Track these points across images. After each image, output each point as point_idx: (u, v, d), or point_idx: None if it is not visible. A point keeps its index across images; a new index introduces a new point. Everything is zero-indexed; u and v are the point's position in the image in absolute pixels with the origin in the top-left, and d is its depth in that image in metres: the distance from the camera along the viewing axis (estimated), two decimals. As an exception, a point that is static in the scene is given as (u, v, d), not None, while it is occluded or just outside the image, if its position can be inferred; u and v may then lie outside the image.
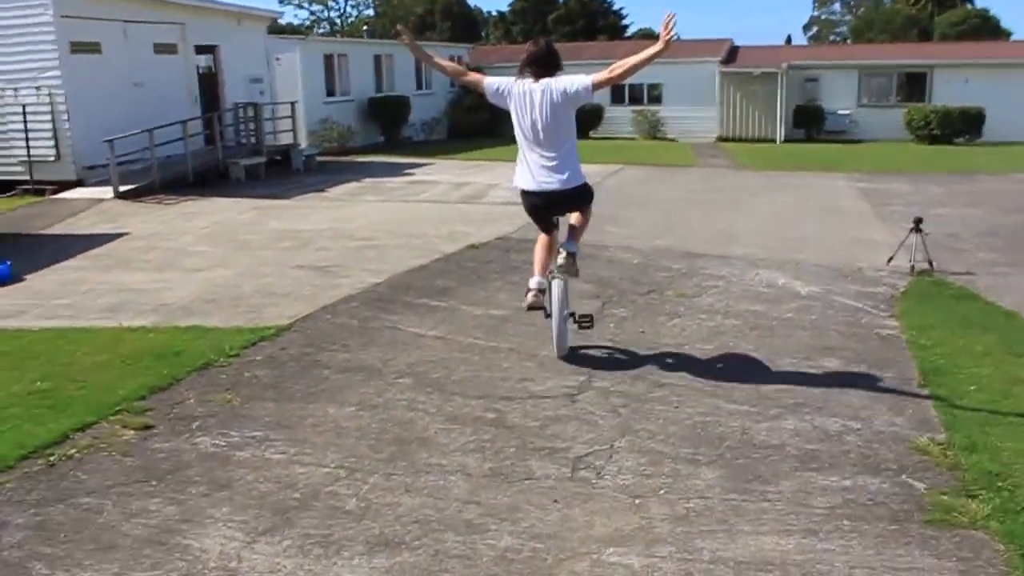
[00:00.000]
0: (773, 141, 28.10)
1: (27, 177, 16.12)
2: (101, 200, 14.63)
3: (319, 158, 21.69)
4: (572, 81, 5.57)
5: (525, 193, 5.81)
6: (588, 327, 6.06)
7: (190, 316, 7.24)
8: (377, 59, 26.76)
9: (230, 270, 9.13)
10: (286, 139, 20.14)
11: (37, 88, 15.77)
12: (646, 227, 11.53)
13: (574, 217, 5.94)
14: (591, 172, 14.41)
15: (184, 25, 18.16)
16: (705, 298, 7.82)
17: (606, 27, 56.20)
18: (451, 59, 31.65)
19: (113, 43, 16.53)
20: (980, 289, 8.54)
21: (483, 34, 61.80)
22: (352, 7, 59.34)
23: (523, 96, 5.62)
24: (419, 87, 29.39)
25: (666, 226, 11.72)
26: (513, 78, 5.74)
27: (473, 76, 6.18)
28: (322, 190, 15.71)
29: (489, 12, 67.85)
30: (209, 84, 19.64)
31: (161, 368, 5.77)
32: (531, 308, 5.75)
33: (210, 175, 17.13)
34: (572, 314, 6.03)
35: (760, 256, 9.77)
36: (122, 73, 16.73)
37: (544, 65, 5.66)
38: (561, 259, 5.74)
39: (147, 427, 4.83)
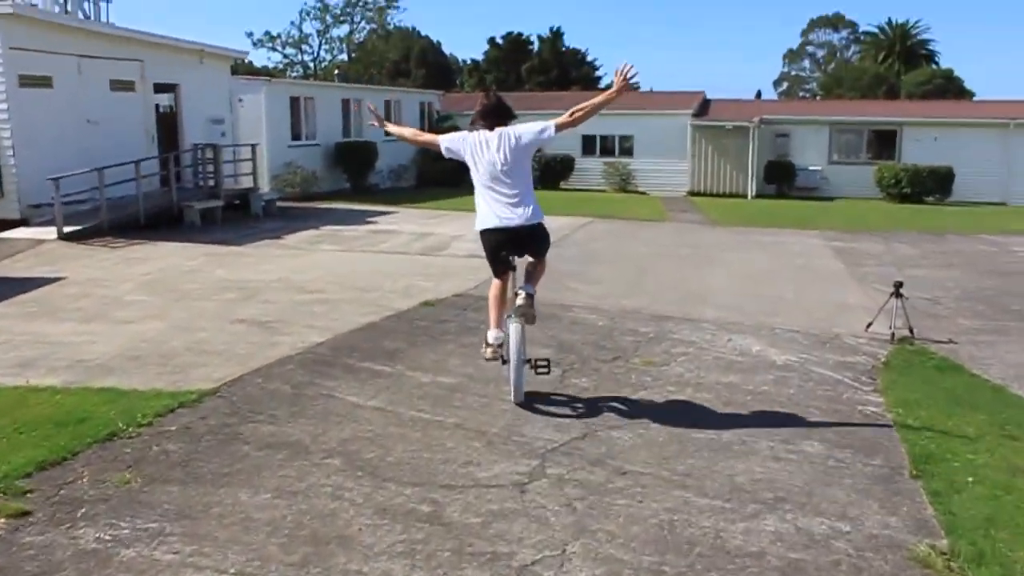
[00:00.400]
0: (744, 196, 27.87)
1: (-33, 215, 15.31)
2: (43, 241, 13.86)
3: (281, 203, 21.05)
4: (532, 126, 5.83)
5: (487, 232, 5.83)
6: (545, 373, 6.10)
7: (108, 375, 6.55)
8: (345, 103, 26.31)
9: (164, 323, 8.44)
10: (247, 182, 19.48)
11: (-18, 123, 15.03)
12: (614, 285, 10.98)
13: (531, 261, 6.02)
14: (559, 225, 13.82)
15: (143, 62, 17.58)
16: (674, 367, 7.23)
17: (579, 77, 56.40)
18: (421, 104, 31.43)
19: (66, 78, 15.88)
20: (964, 359, 8.05)
21: (457, 82, 61.80)
22: (326, 52, 59.08)
23: (478, 144, 5.82)
24: (388, 134, 28.86)
25: (635, 284, 11.19)
26: (465, 132, 5.97)
27: (428, 136, 6.45)
28: (279, 237, 15.05)
29: (464, 60, 67.74)
30: (168, 123, 19.04)
31: (59, 438, 5.08)
32: (490, 360, 5.91)
33: (164, 218, 16.42)
34: (529, 360, 5.99)
35: (733, 320, 9.23)
36: (75, 109, 16.07)
37: (497, 116, 5.90)
38: (520, 300, 5.76)
39: (23, 514, 4.14)
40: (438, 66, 63.03)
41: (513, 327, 5.74)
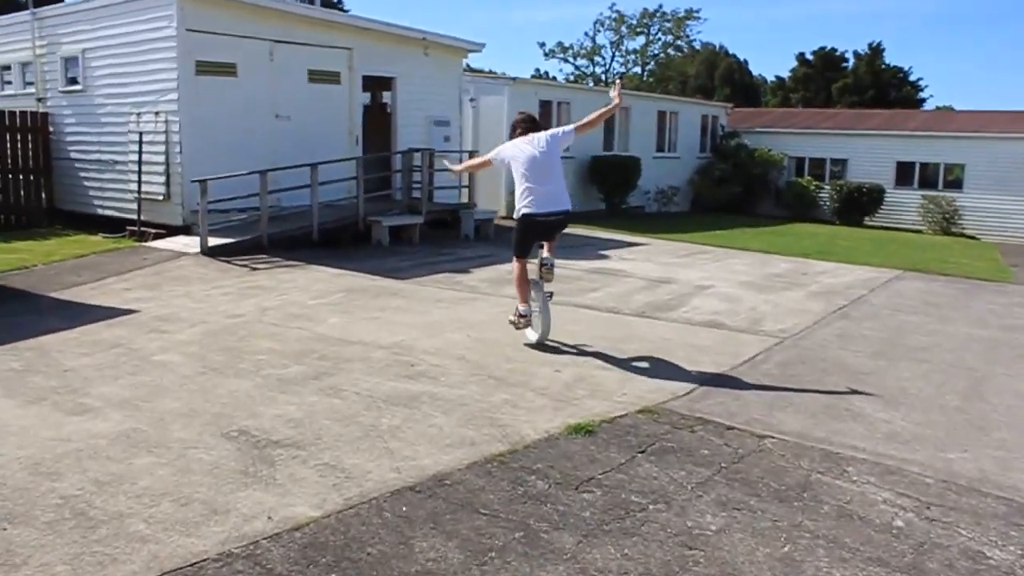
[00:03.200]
0: None
1: (134, 217, 13.31)
2: (182, 255, 11.34)
3: (510, 223, 17.68)
4: (556, 131, 7.27)
5: (528, 217, 7.11)
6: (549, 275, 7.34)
7: None
8: (608, 112, 22.52)
9: (114, 424, 5.06)
10: (465, 196, 16.29)
11: (155, 114, 12.92)
12: (929, 412, 6.16)
13: (547, 245, 7.52)
14: (852, 280, 11.07)
15: (351, 51, 14.88)
16: None
17: (899, 99, 48.62)
18: (704, 118, 27.01)
19: (254, 65, 13.46)
20: None
21: (763, 101, 56.13)
22: (619, 64, 56.04)
23: (516, 148, 7.22)
24: (660, 149, 24.87)
25: (967, 414, 6.21)
26: (502, 148, 7.40)
27: (478, 160, 8.60)
28: (465, 271, 11.52)
29: (769, 79, 61.73)
30: (379, 123, 16.29)
31: None
32: (518, 328, 7.32)
33: (346, 235, 13.53)
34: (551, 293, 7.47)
35: None
36: (262, 102, 13.63)
37: (529, 125, 7.36)
38: (547, 271, 7.41)
39: None
40: (743, 86, 57.76)
41: (543, 295, 7.35)
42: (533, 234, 7.30)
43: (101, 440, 4.86)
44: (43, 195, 15.36)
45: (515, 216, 7.25)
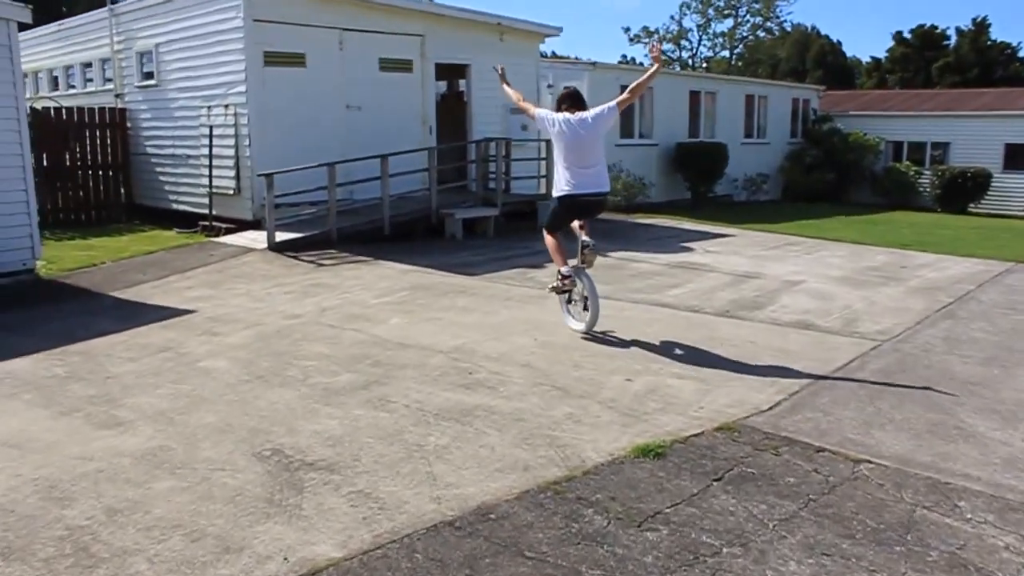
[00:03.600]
0: None
1: (207, 211, 13.18)
2: (249, 251, 11.10)
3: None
4: (599, 107, 7.01)
5: (567, 197, 7.04)
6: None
7: None
8: (694, 96, 21.69)
9: (160, 435, 4.71)
10: (542, 188, 15.71)
11: (225, 107, 12.73)
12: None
13: (583, 226, 7.39)
14: (956, 274, 9.88)
15: (423, 37, 14.45)
16: None
17: (1006, 78, 45.81)
18: (794, 102, 25.80)
19: (323, 55, 13.14)
20: None
21: (857, 84, 53.91)
22: (707, 48, 54.57)
23: (564, 123, 6.99)
24: (748, 135, 23.83)
25: None
26: (552, 112, 7.16)
27: (526, 105, 7.54)
28: (539, 266, 10.96)
29: (866, 60, 59.21)
30: (453, 112, 15.85)
31: None
32: (561, 291, 7.32)
33: (419, 228, 13.13)
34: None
35: None
36: (332, 92, 13.32)
37: (575, 101, 7.14)
38: (588, 252, 7.24)
39: None
40: (837, 68, 55.54)
41: (585, 275, 7.22)
42: (570, 214, 7.26)
43: (125, 459, 4.49)
44: (122, 191, 15.40)
45: (553, 194, 7.24)
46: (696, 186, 21.23)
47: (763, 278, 10.45)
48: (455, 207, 13.51)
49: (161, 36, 14.00)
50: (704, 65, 52.95)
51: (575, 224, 7.40)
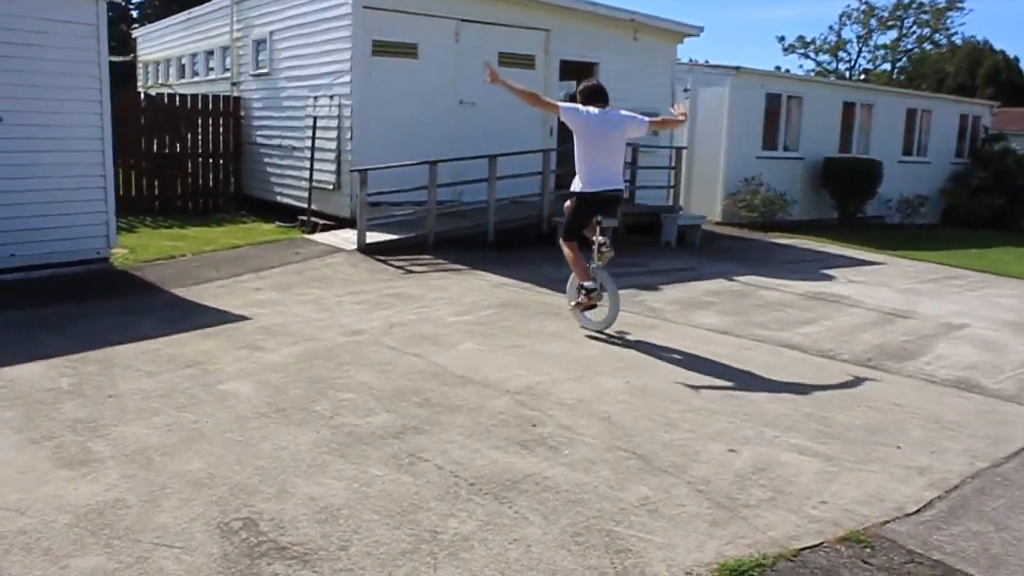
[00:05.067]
0: None
1: (306, 206, 12.49)
2: (337, 251, 10.28)
3: (726, 230, 15.70)
4: (633, 117, 7.05)
5: (589, 195, 6.88)
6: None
7: None
8: (847, 108, 19.73)
9: (123, 484, 3.83)
10: (667, 199, 14.37)
11: (330, 97, 11.98)
12: None
13: (598, 230, 7.07)
14: None
15: (548, 32, 13.34)
16: None
17: None
18: (963, 118, 23.32)
19: (437, 47, 12.22)
20: None
21: (1034, 102, 49.36)
22: (867, 60, 51.26)
23: (591, 119, 6.78)
24: (907, 152, 21.61)
25: None
26: (579, 105, 6.86)
27: (548, 100, 7.37)
28: (653, 287, 9.67)
29: (1044, 76, 54.32)
30: (576, 114, 14.61)
31: None
32: (586, 308, 7.07)
33: (528, 236, 12.03)
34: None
35: None
36: (445, 87, 12.39)
37: (599, 97, 6.90)
38: (606, 248, 7.06)
39: None
40: (1011, 86, 51.07)
41: (603, 272, 7.05)
42: (591, 213, 7.02)
43: (63, 517, 3.53)
44: (231, 180, 14.97)
45: (574, 191, 6.97)
46: (844, 205, 19.28)
47: (916, 318, 8.80)
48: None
49: (275, 23, 13.44)
50: (863, 78, 49.79)
51: (591, 230, 7.12)
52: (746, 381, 6.03)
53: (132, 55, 21.82)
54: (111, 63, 24.10)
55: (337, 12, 11.62)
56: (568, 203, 7.22)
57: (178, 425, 4.68)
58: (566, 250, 7.05)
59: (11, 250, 8.57)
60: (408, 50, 12.00)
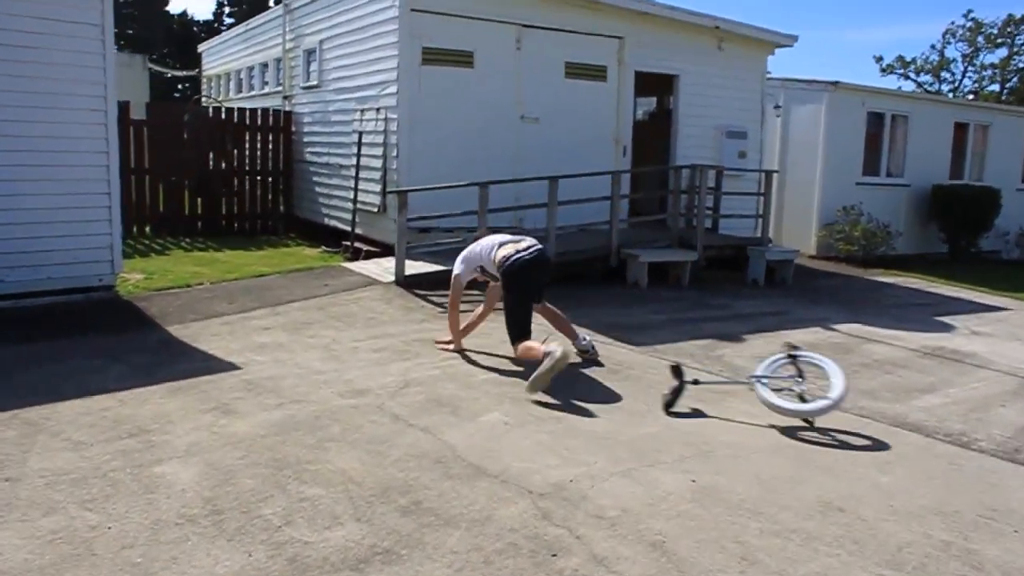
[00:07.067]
0: None
1: (350, 229, 11.37)
2: (373, 283, 9.06)
3: (818, 264, 14.04)
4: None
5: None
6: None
7: None
8: (959, 129, 17.77)
9: None
10: (750, 230, 12.81)
11: (376, 111, 10.83)
12: None
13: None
14: None
15: (622, 40, 11.97)
16: None
17: None
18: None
19: (495, 55, 10.98)
20: None
21: None
22: (972, 80, 48.29)
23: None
24: (1027, 179, 19.45)
25: None
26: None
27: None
28: (735, 337, 8.16)
29: None
30: (652, 131, 13.25)
31: None
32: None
33: (595, 269, 10.65)
34: None
35: None
36: (504, 100, 11.11)
37: None
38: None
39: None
40: None
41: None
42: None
43: None
44: (280, 200, 13.98)
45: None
46: (955, 238, 17.29)
47: (1065, 386, 7.07)
48: (643, 247, 10.87)
49: (325, 31, 12.42)
50: (970, 99, 46.94)
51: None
52: (853, 482, 4.51)
53: (197, 70, 21.25)
54: (175, 78, 23.70)
55: (384, 16, 10.49)
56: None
57: (69, 533, 3.43)
58: (524, 351, 6.08)
59: (0, 275, 7.57)
60: (463, 58, 10.77)
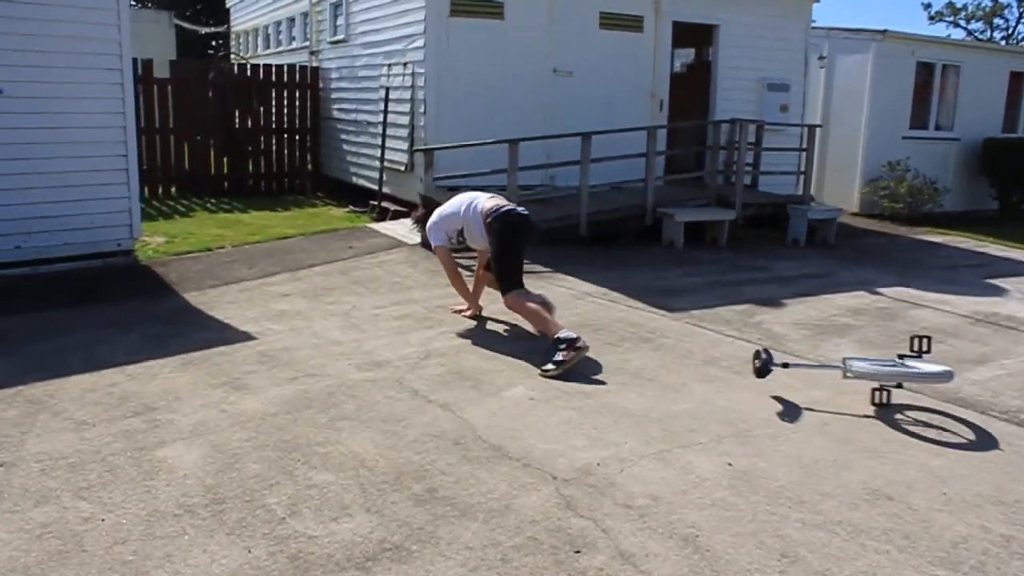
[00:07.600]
0: None
1: (377, 188, 11.10)
2: (399, 245, 8.78)
3: (862, 222, 13.53)
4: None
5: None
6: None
7: None
8: (1016, 78, 16.95)
9: None
10: (791, 187, 12.33)
11: (403, 65, 10.48)
12: None
13: None
14: None
15: (659, -11, 11.44)
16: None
17: None
18: None
19: (526, 5, 10.55)
20: None
21: None
22: (1027, 28, 46.43)
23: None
24: None
25: None
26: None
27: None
28: (775, 302, 7.79)
29: None
30: (691, 84, 12.75)
31: None
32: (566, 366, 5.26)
33: (629, 229, 10.29)
34: None
35: None
36: (535, 53, 10.69)
37: None
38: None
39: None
40: None
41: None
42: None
43: None
44: (308, 159, 13.73)
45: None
46: (1007, 195, 16.59)
47: None
48: (679, 205, 10.47)
49: (352, -17, 12.02)
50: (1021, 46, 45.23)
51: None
52: (901, 466, 4.18)
53: (226, 26, 20.94)
54: (208, 35, 23.29)
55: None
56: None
57: (59, 526, 3.23)
58: (520, 307, 5.84)
59: (16, 241, 7.41)
60: (493, 9, 10.35)
